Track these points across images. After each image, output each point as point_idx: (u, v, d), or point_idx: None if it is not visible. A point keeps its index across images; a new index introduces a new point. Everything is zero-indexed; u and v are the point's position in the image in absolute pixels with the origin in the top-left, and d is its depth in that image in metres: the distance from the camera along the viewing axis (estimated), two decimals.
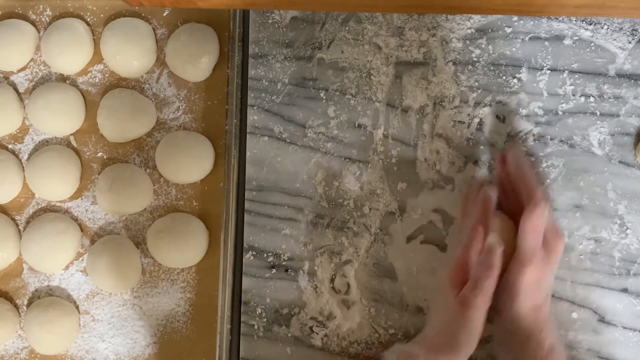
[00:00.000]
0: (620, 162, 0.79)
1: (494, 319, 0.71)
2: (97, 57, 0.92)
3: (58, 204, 0.90)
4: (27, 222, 0.90)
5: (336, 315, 0.82)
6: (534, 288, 0.69)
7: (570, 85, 0.81)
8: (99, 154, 0.90)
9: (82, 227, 0.90)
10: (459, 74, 0.83)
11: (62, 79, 0.92)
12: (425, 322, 0.78)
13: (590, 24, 0.81)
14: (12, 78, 0.93)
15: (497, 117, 0.82)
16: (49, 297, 0.88)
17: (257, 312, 0.84)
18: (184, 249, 0.85)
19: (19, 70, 0.93)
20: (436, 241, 0.81)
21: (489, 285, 0.68)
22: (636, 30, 0.80)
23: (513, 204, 0.74)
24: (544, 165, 0.80)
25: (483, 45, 0.83)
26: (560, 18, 0.81)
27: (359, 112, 0.85)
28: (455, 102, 0.83)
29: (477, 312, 0.68)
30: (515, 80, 0.82)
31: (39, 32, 0.93)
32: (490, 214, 0.72)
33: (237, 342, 0.84)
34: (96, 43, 0.92)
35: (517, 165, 0.74)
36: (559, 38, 0.81)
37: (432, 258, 0.81)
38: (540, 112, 0.81)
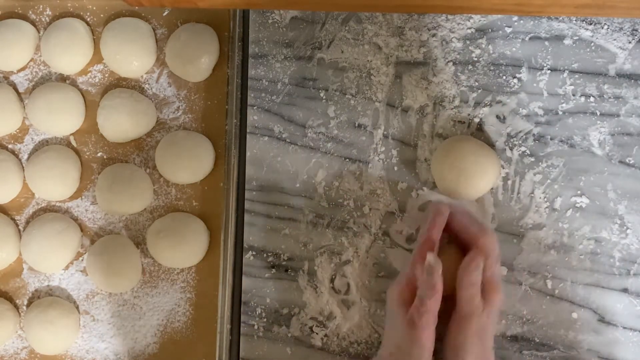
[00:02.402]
0: (620, 162, 0.79)
1: None
2: (97, 57, 0.92)
3: (58, 204, 0.90)
4: (27, 222, 0.90)
5: (336, 315, 0.82)
6: (476, 341, 0.69)
7: (571, 85, 0.81)
8: (99, 154, 0.90)
9: (82, 227, 0.90)
10: (459, 74, 0.83)
11: (62, 79, 0.92)
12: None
13: (590, 24, 0.81)
14: (12, 78, 0.93)
15: (497, 117, 0.82)
16: (49, 297, 0.88)
17: (257, 312, 0.84)
18: (184, 249, 0.85)
19: (19, 70, 0.93)
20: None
21: (433, 303, 0.68)
22: (636, 30, 0.80)
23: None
24: (544, 165, 0.80)
25: (483, 45, 0.83)
26: (560, 18, 0.81)
27: (359, 112, 0.85)
28: (455, 102, 0.83)
29: (424, 332, 0.68)
30: (515, 80, 0.82)
31: (39, 32, 0.93)
32: (435, 233, 0.73)
33: (237, 342, 0.84)
34: (96, 43, 0.92)
35: (450, 219, 0.74)
36: (559, 38, 0.81)
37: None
38: (540, 112, 0.81)
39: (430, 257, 0.68)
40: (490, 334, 0.71)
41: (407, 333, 0.69)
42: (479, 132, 0.82)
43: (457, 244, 0.75)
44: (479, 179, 0.77)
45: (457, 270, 0.73)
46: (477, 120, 0.82)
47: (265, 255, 0.85)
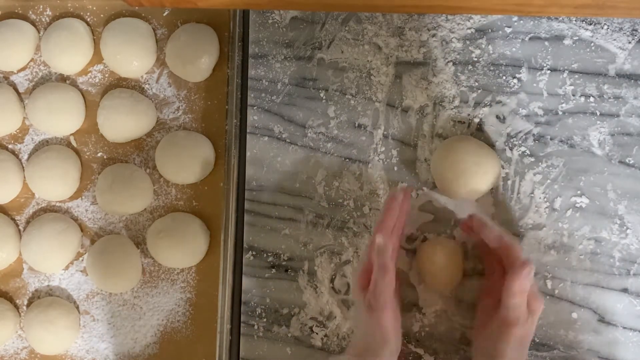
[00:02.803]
0: (620, 162, 0.79)
1: None
2: (97, 57, 0.92)
3: (58, 204, 0.90)
4: (27, 222, 0.90)
5: (336, 315, 0.82)
6: (517, 348, 0.69)
7: (570, 85, 0.81)
8: (99, 154, 0.90)
9: (82, 227, 0.90)
10: (459, 74, 0.83)
11: (62, 79, 0.92)
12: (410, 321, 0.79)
13: (590, 24, 0.81)
14: (12, 78, 0.93)
15: (497, 117, 0.82)
16: (49, 297, 0.88)
17: (257, 312, 0.84)
18: (184, 249, 0.85)
19: (19, 70, 0.93)
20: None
21: (388, 284, 0.69)
22: (636, 30, 0.80)
23: (490, 261, 0.76)
24: (544, 165, 0.80)
25: (483, 45, 0.83)
26: (560, 18, 0.81)
27: (359, 112, 0.85)
28: (455, 102, 0.83)
29: (383, 313, 0.69)
30: (515, 80, 0.82)
31: (39, 32, 0.93)
32: (388, 217, 0.73)
33: (237, 342, 0.84)
34: (96, 43, 0.92)
35: (487, 232, 0.74)
36: (559, 38, 0.81)
37: (418, 250, 0.80)
38: (540, 112, 0.81)
39: (379, 238, 0.70)
40: (528, 342, 0.71)
41: (368, 318, 0.70)
42: (479, 132, 0.82)
43: (486, 257, 0.76)
44: (479, 179, 0.77)
45: (454, 265, 0.75)
46: (477, 120, 0.82)
47: (265, 255, 0.85)
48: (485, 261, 0.78)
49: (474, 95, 0.83)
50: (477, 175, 0.77)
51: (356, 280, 0.74)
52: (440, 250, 0.77)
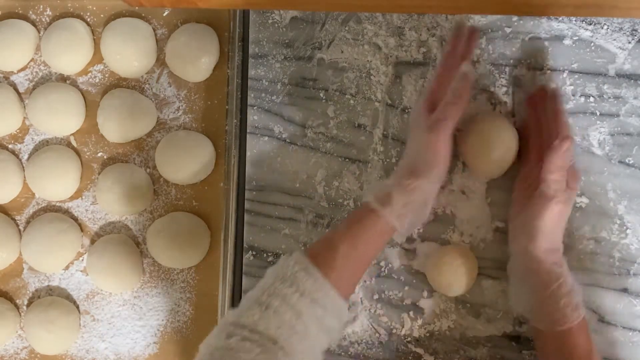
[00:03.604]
0: (620, 162, 0.79)
1: (509, 259, 0.75)
2: (97, 57, 0.92)
3: (58, 204, 0.90)
4: (27, 222, 0.90)
5: None
6: (555, 226, 0.70)
7: (570, 85, 0.81)
8: (99, 154, 0.90)
9: (82, 227, 0.90)
10: None
11: (62, 79, 0.92)
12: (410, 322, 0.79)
13: (590, 24, 0.81)
14: (12, 78, 0.93)
15: None
16: (49, 297, 0.88)
17: None
18: (184, 249, 0.85)
19: (19, 70, 0.93)
20: (436, 239, 0.81)
21: (456, 111, 0.71)
22: (636, 30, 0.80)
23: (534, 144, 0.76)
24: None
25: (483, 45, 0.83)
26: (560, 18, 0.81)
27: (358, 112, 0.85)
28: None
29: (441, 136, 0.70)
30: (515, 80, 0.82)
31: (39, 32, 0.93)
32: (467, 46, 0.75)
33: None
34: (96, 43, 0.92)
35: (554, 99, 0.76)
36: (559, 38, 0.81)
37: (432, 255, 0.80)
38: None
39: (466, 66, 0.71)
40: (565, 220, 0.72)
41: (426, 137, 0.71)
42: None
43: (528, 123, 0.78)
44: (508, 155, 0.78)
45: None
46: None
47: (265, 255, 0.85)
48: (525, 147, 0.78)
49: (474, 95, 0.82)
50: (509, 152, 0.77)
51: (420, 102, 0.75)
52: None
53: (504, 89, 0.81)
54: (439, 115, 0.71)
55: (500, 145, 0.77)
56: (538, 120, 0.77)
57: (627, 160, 0.79)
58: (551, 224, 0.70)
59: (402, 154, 0.77)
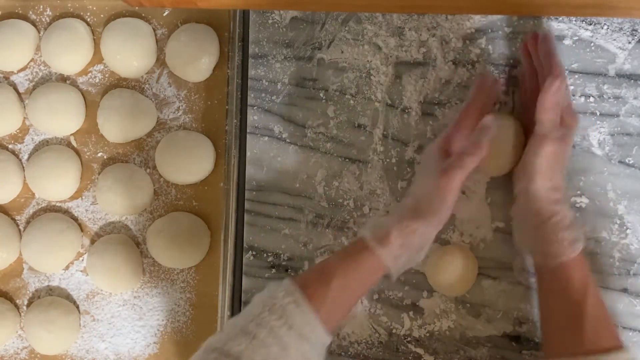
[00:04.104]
0: (620, 162, 0.79)
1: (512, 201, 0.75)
2: (97, 57, 0.92)
3: (58, 204, 0.90)
4: (27, 222, 0.90)
5: None
6: (552, 164, 0.71)
7: (570, 85, 0.81)
8: (99, 154, 0.90)
9: (82, 227, 0.90)
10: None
11: (62, 79, 0.92)
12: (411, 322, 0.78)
13: (590, 24, 0.81)
14: (12, 78, 0.93)
15: None
16: (49, 297, 0.88)
17: None
18: (184, 249, 0.85)
19: (19, 70, 0.93)
20: (436, 239, 0.81)
21: (472, 162, 0.70)
22: (636, 30, 0.80)
23: (535, 92, 0.76)
24: None
25: (483, 45, 0.83)
26: (560, 18, 0.81)
27: (358, 112, 0.85)
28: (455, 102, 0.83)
29: (452, 184, 0.70)
30: (515, 80, 0.82)
31: (39, 32, 0.93)
32: (489, 97, 0.76)
33: None
34: (96, 43, 0.92)
35: (547, 41, 0.76)
36: (559, 38, 0.81)
37: (432, 255, 0.80)
38: None
39: (488, 119, 0.71)
40: (564, 158, 0.73)
41: (436, 182, 0.70)
42: None
43: (529, 68, 0.78)
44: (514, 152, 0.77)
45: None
46: None
47: (265, 255, 0.85)
48: (528, 102, 0.78)
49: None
50: (514, 150, 0.77)
51: (436, 145, 0.75)
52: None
53: (504, 89, 0.81)
54: (454, 162, 0.70)
55: (505, 143, 0.77)
56: (533, 66, 0.77)
57: (627, 160, 0.79)
58: (547, 162, 0.71)
59: (406, 192, 0.77)
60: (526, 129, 0.77)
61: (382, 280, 0.81)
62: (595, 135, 0.80)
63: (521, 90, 0.80)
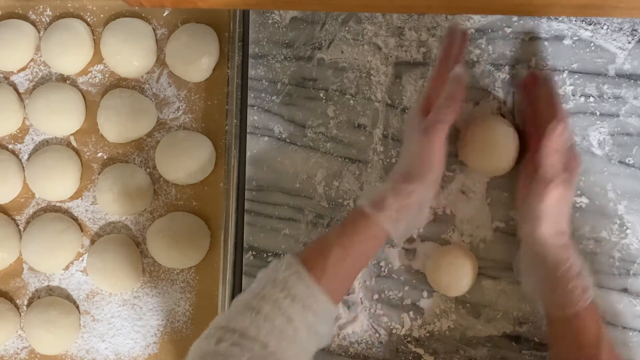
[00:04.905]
0: (620, 162, 0.79)
1: (519, 245, 0.75)
2: (97, 57, 0.92)
3: (58, 204, 0.90)
4: (27, 222, 0.90)
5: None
6: (557, 210, 0.70)
7: (570, 85, 0.81)
8: (99, 154, 0.90)
9: (82, 227, 0.90)
10: None
11: (62, 79, 0.92)
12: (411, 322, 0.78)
13: (590, 24, 0.81)
14: (12, 78, 0.93)
15: None
16: (49, 297, 0.88)
17: None
18: (184, 249, 0.85)
19: (19, 70, 0.93)
20: (436, 239, 0.81)
21: (449, 114, 0.70)
22: (636, 30, 0.80)
23: (532, 130, 0.76)
24: None
25: (483, 45, 0.83)
26: (560, 18, 0.81)
27: (358, 112, 0.85)
28: None
29: (435, 138, 0.69)
30: (515, 80, 0.82)
31: (39, 32, 0.93)
32: (460, 50, 0.76)
33: None
34: (96, 43, 0.92)
35: (546, 83, 0.76)
36: (559, 38, 0.81)
37: (432, 255, 0.80)
38: None
39: (458, 68, 0.71)
40: (569, 203, 0.72)
41: (420, 141, 0.70)
42: None
43: (528, 114, 0.78)
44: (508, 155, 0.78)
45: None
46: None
47: (265, 255, 0.85)
48: (527, 130, 0.78)
49: (474, 94, 0.82)
50: (511, 152, 0.78)
51: (414, 108, 0.75)
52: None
53: (504, 88, 0.81)
54: (432, 118, 0.70)
55: (502, 145, 0.77)
56: (532, 106, 0.77)
57: (627, 160, 0.79)
58: (552, 207, 0.70)
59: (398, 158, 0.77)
60: (524, 129, 0.77)
61: (382, 280, 0.82)
62: (595, 135, 0.80)
63: (521, 137, 0.79)
